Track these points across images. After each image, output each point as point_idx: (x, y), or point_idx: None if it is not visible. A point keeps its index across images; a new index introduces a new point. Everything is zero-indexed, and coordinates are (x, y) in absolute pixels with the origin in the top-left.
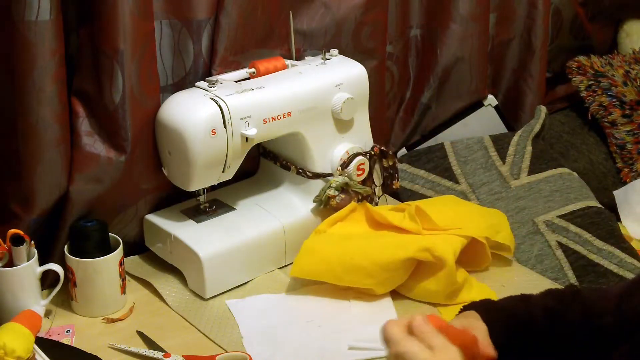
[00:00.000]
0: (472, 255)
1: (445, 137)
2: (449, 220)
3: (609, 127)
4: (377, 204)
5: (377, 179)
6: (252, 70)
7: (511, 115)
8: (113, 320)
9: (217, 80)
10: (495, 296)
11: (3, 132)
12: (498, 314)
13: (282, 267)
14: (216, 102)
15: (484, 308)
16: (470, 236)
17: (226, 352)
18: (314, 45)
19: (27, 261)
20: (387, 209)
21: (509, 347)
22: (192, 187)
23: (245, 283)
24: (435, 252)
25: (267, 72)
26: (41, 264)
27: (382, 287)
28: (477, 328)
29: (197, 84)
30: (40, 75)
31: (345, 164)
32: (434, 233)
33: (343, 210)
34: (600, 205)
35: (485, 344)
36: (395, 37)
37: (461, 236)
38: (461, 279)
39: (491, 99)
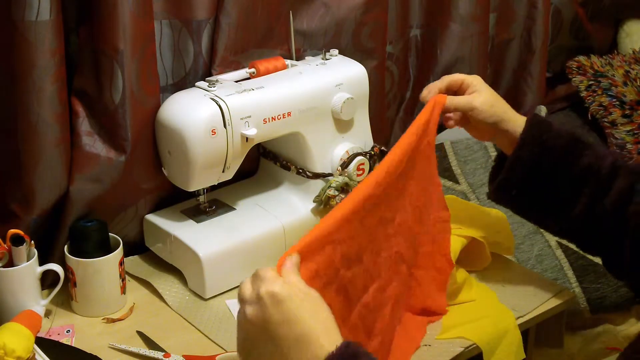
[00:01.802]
0: (472, 256)
1: (445, 137)
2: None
3: (609, 127)
4: None
5: None
6: (252, 70)
7: None
8: (113, 320)
9: (217, 80)
10: (495, 296)
11: (3, 132)
12: (556, 125)
13: None
14: (216, 102)
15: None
16: (469, 236)
17: (226, 352)
18: (314, 45)
19: (27, 261)
20: None
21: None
22: (192, 187)
23: None
24: None
25: (267, 72)
26: (41, 264)
27: None
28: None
29: (197, 84)
30: (40, 75)
31: (345, 164)
32: None
33: None
34: None
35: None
36: (395, 37)
37: (460, 236)
38: (461, 279)
39: None
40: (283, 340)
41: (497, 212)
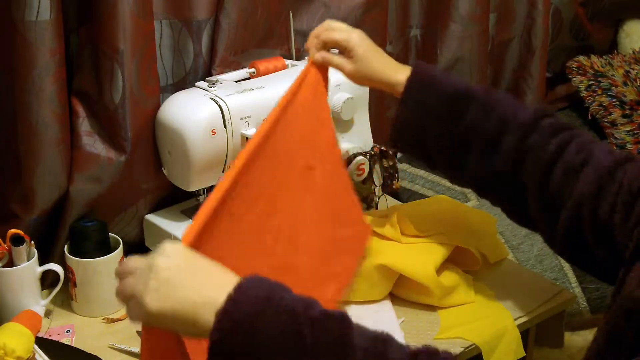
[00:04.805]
0: (464, 257)
1: None
2: (433, 225)
3: (609, 127)
4: (377, 204)
5: (377, 179)
6: (252, 70)
7: None
8: (113, 320)
9: (217, 80)
10: (493, 296)
11: (3, 132)
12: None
13: None
14: (216, 102)
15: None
16: (453, 244)
17: None
18: None
19: (27, 261)
20: (371, 217)
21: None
22: (192, 187)
23: None
24: (414, 277)
25: (267, 72)
26: (41, 264)
27: (371, 295)
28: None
29: (197, 84)
30: (40, 75)
31: (345, 164)
32: (411, 242)
33: None
34: None
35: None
36: (395, 37)
37: (444, 244)
38: (452, 283)
39: None
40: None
41: (487, 217)
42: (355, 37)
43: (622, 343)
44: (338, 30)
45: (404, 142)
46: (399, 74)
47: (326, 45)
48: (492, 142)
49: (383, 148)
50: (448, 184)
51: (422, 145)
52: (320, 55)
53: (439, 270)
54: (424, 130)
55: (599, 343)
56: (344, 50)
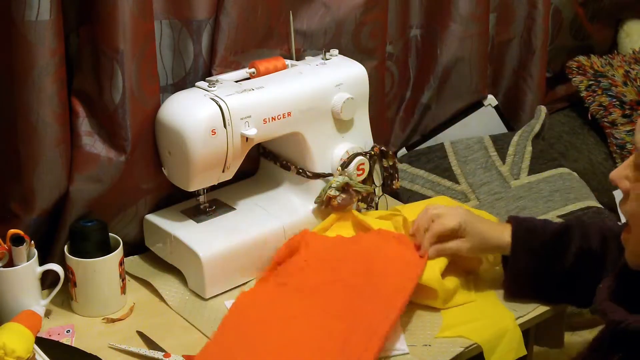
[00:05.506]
0: (465, 257)
1: (445, 137)
2: None
3: (609, 127)
4: (377, 204)
5: (377, 179)
6: (252, 70)
7: (511, 115)
8: (113, 320)
9: (217, 80)
10: (494, 296)
11: (3, 132)
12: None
13: None
14: (216, 102)
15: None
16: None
17: None
18: (314, 45)
19: (27, 261)
20: (373, 217)
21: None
22: (192, 187)
23: (245, 283)
24: (420, 280)
25: (267, 72)
26: (41, 264)
27: None
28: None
29: (197, 84)
30: (40, 75)
31: (345, 164)
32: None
33: (327, 220)
34: (600, 205)
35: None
36: (395, 37)
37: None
38: (453, 285)
39: (491, 99)
40: None
41: (487, 217)
42: (463, 219)
43: (602, 349)
44: (445, 216)
45: (521, 287)
46: (504, 234)
47: (439, 237)
48: (598, 255)
49: (383, 148)
50: (448, 183)
51: (539, 285)
52: (436, 251)
53: (442, 273)
54: (536, 272)
55: (589, 348)
56: (455, 233)
